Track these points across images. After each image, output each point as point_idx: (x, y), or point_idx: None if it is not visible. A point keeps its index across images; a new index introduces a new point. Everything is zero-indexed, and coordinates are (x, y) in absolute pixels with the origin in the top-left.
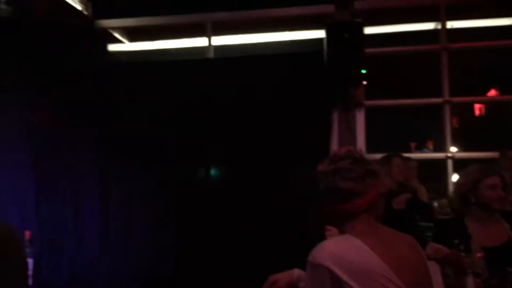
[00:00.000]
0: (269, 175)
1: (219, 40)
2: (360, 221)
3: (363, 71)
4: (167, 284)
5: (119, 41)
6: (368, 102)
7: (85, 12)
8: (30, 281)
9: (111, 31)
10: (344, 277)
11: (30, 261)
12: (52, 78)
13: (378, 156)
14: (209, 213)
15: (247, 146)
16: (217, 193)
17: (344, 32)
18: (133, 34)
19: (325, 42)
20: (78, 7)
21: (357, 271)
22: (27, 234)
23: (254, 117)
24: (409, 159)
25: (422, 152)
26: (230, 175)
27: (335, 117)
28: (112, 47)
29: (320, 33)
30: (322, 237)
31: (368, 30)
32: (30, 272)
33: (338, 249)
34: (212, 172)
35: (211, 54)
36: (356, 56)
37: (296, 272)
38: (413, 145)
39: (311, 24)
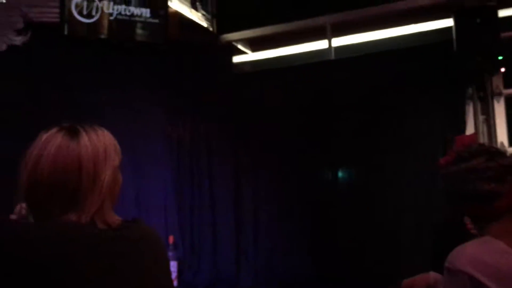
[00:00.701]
0: (398, 175)
1: (339, 41)
2: (502, 221)
3: (500, 58)
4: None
5: (242, 52)
6: (508, 91)
7: (210, 29)
8: (175, 283)
9: (234, 43)
10: (490, 284)
11: (174, 264)
12: (184, 94)
13: None
14: (338, 215)
15: (374, 146)
16: (345, 195)
17: (476, 18)
18: (255, 44)
19: (453, 30)
20: (204, 24)
21: (504, 277)
22: (171, 238)
23: (381, 115)
24: None
25: None
26: (358, 176)
27: (470, 109)
28: (236, 59)
29: (447, 22)
30: (460, 239)
31: (503, 13)
32: (174, 274)
33: (480, 253)
34: (340, 174)
35: (331, 56)
36: (490, 42)
37: (432, 275)
38: None
39: (436, 13)
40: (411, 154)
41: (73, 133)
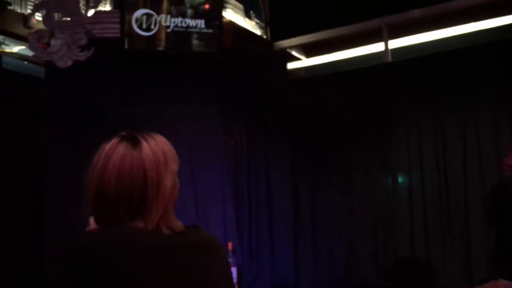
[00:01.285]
0: (465, 178)
1: (396, 43)
2: None
3: None
4: None
5: (297, 59)
6: None
7: (264, 36)
8: None
9: (288, 50)
10: None
11: (234, 270)
12: (241, 102)
13: None
14: (401, 221)
15: (438, 149)
16: (405, 201)
17: None
18: (310, 50)
19: None
20: (258, 32)
21: None
22: (230, 245)
23: (443, 117)
24: None
25: None
26: (420, 180)
27: None
28: (290, 65)
29: (509, 19)
30: None
31: None
32: (234, 280)
33: None
34: (400, 179)
35: (388, 59)
36: None
37: (503, 283)
38: None
39: (498, 10)
40: (478, 156)
41: (134, 143)
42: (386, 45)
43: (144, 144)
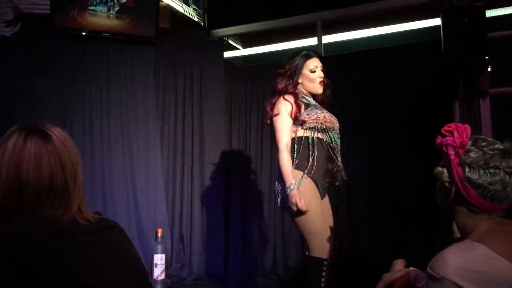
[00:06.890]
0: (389, 171)
1: (329, 38)
2: (485, 222)
3: (487, 57)
4: None
5: (234, 48)
6: (494, 90)
7: (202, 24)
8: (162, 276)
9: (225, 39)
10: None
11: (162, 256)
12: (176, 89)
13: None
14: None
15: (363, 141)
16: None
17: (464, 17)
18: (247, 40)
19: (441, 29)
20: (195, 19)
21: (490, 283)
22: (159, 231)
23: (364, 113)
24: None
25: None
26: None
27: (457, 108)
28: (227, 54)
29: (436, 21)
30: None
31: (490, 13)
32: (163, 267)
33: (464, 260)
34: None
35: (321, 53)
36: (477, 41)
37: (413, 271)
38: None
39: (425, 12)
40: (399, 152)
41: (45, 137)
42: (320, 39)
43: (54, 137)
